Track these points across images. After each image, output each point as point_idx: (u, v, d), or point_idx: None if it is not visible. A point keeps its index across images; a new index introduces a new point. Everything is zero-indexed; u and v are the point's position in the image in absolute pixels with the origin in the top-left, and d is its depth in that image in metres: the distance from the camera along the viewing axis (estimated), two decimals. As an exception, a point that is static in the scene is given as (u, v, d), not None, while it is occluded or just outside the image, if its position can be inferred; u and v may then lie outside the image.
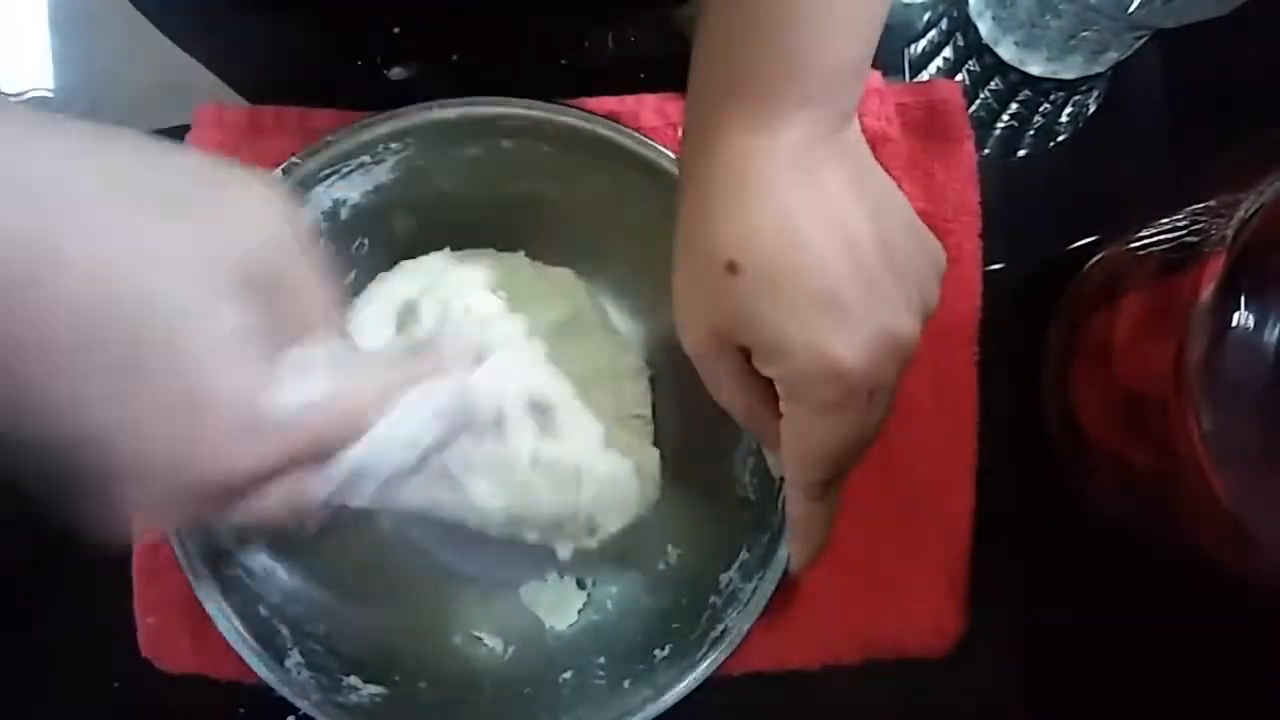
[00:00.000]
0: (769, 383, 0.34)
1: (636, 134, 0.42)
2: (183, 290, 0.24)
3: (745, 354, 0.34)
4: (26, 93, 0.52)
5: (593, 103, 0.47)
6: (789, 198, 0.31)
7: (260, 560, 0.43)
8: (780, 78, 0.31)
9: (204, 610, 0.45)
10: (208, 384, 0.24)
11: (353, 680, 0.41)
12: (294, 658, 0.41)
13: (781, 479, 0.40)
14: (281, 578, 0.43)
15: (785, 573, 0.40)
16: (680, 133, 0.46)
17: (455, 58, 0.50)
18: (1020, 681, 0.47)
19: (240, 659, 0.41)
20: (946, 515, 0.46)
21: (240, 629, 0.40)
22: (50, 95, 0.52)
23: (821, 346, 0.31)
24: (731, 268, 0.31)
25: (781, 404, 0.34)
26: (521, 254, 0.46)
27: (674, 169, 0.41)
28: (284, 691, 0.40)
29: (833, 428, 0.33)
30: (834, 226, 0.31)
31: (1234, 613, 0.43)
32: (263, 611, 0.41)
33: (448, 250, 0.45)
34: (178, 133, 0.49)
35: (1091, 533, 0.46)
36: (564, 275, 0.46)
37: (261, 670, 0.40)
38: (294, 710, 0.41)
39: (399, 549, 0.46)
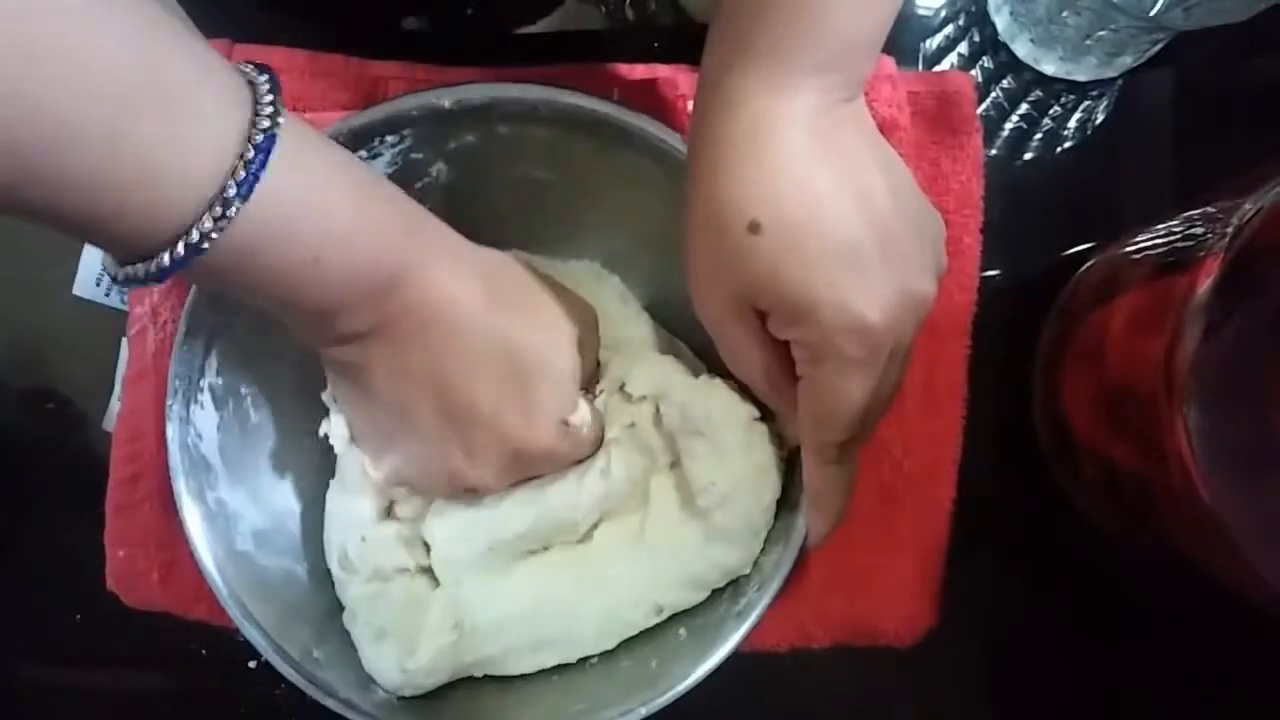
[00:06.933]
0: (786, 347, 0.34)
1: (635, 112, 0.41)
2: (549, 353, 0.39)
3: (763, 319, 0.34)
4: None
5: (605, 69, 0.47)
6: (809, 158, 0.32)
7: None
8: (802, 42, 0.31)
9: (173, 547, 0.44)
10: (546, 402, 0.38)
11: None
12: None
13: (797, 448, 0.39)
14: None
15: (804, 547, 0.40)
16: (693, 98, 0.46)
17: (470, 12, 0.50)
18: (984, 679, 0.47)
19: (212, 597, 0.41)
20: (927, 506, 0.45)
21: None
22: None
23: (847, 303, 0.32)
24: (754, 228, 0.31)
25: (802, 366, 0.34)
26: (542, 258, 0.45)
27: (672, 146, 0.41)
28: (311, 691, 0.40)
29: (854, 386, 0.33)
30: (854, 186, 0.32)
31: (1211, 615, 0.43)
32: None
33: None
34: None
35: (1072, 532, 0.46)
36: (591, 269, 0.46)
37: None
38: (254, 655, 0.41)
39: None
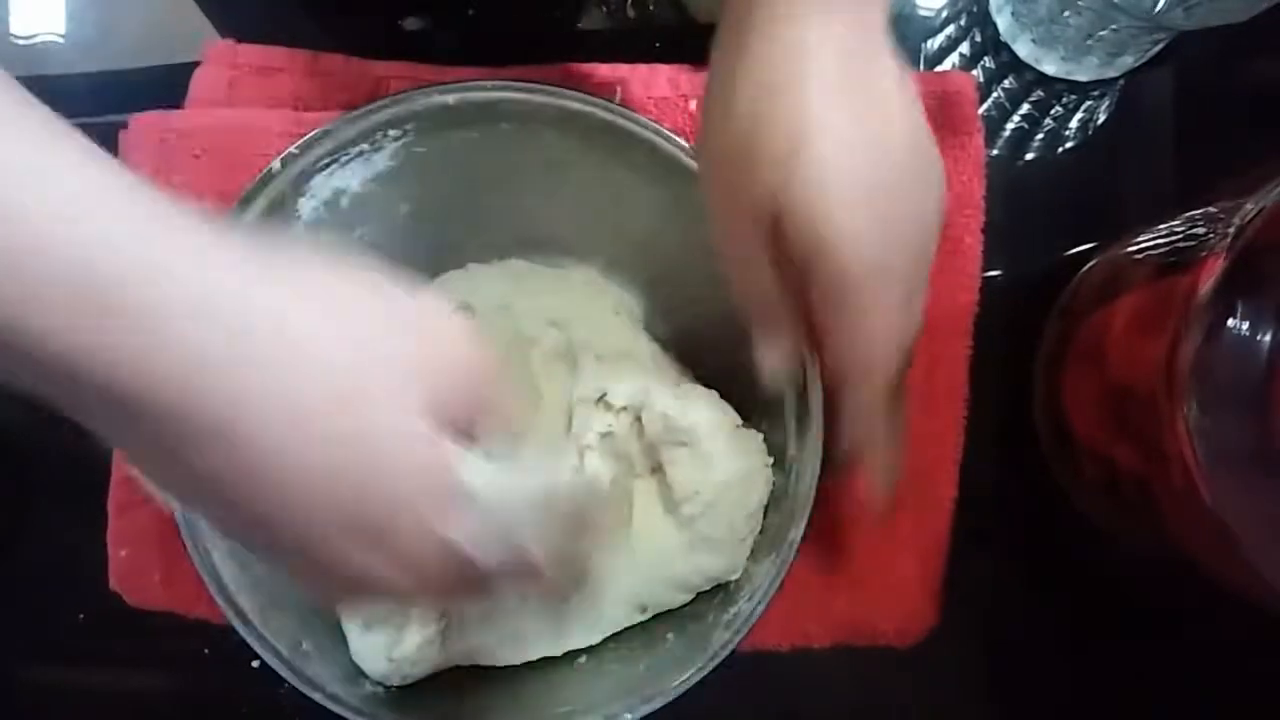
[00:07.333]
0: (793, 270, 0.34)
1: (636, 116, 0.41)
2: (393, 424, 0.26)
3: (777, 244, 0.34)
4: (37, 36, 0.51)
5: (606, 68, 0.47)
6: (842, 91, 0.32)
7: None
8: None
9: (175, 545, 0.44)
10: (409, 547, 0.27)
11: None
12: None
13: (784, 456, 0.39)
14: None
15: (794, 560, 0.39)
16: (695, 99, 0.46)
17: (471, 12, 0.50)
18: (984, 679, 0.47)
19: (210, 598, 0.41)
20: (928, 506, 0.45)
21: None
22: (61, 40, 0.52)
23: (865, 242, 0.32)
24: (783, 155, 0.31)
25: (823, 316, 0.34)
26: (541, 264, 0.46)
27: (673, 148, 0.41)
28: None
29: (879, 325, 0.34)
30: (880, 122, 0.32)
31: (1211, 615, 0.43)
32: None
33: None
34: (187, 69, 0.49)
35: (1072, 532, 0.46)
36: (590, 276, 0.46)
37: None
38: (257, 654, 0.41)
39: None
